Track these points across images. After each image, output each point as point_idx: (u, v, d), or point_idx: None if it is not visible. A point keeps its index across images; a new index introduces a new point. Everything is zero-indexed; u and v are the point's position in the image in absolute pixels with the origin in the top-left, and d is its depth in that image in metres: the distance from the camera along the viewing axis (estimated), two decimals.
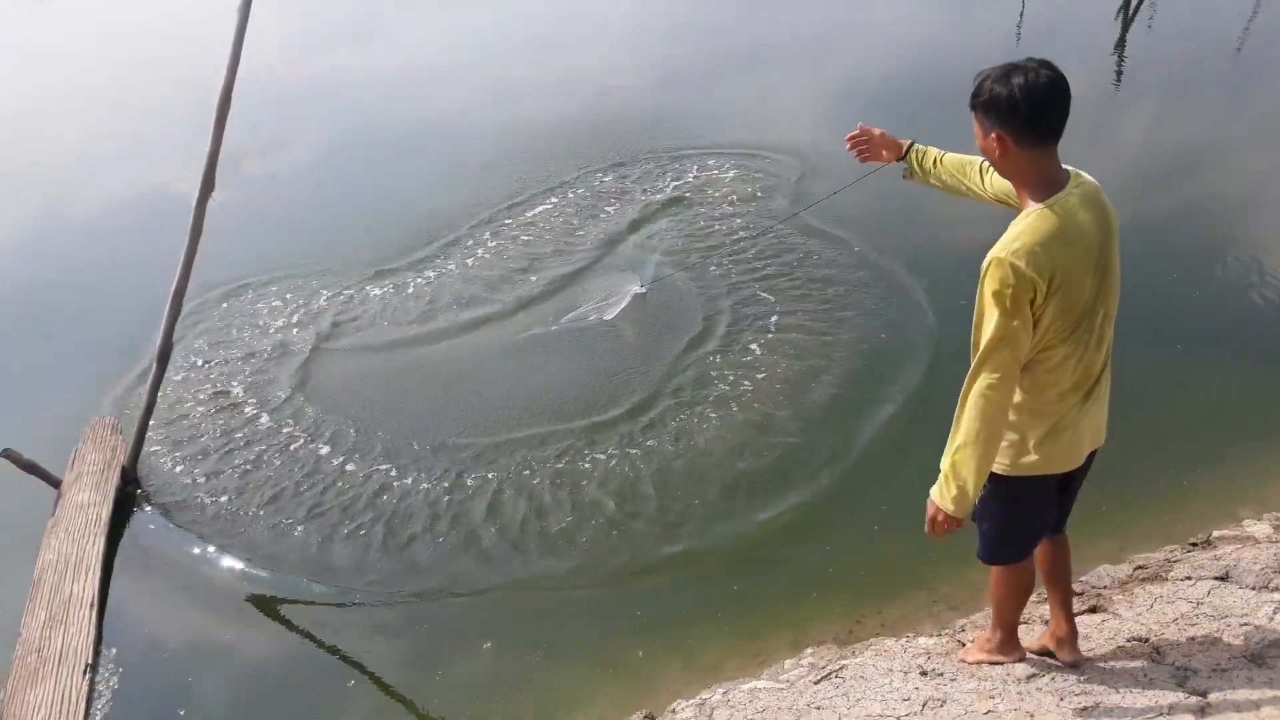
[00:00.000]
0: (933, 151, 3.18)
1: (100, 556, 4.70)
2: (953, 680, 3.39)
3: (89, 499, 5.01)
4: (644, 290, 6.57)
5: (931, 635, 3.87)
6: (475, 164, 8.66)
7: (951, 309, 5.99)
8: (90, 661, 4.18)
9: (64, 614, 4.39)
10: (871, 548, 4.59)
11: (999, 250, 2.54)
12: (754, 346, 5.97)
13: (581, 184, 8.10)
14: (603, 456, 5.22)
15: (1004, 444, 2.84)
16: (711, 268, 6.80)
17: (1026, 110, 2.50)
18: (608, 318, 6.35)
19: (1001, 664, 3.40)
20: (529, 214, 7.72)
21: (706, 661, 4.12)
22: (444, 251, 7.33)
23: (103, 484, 5.11)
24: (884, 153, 3.26)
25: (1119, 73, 9.76)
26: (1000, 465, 2.87)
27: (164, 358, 5.18)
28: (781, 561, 4.58)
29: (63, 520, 4.93)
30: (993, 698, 3.22)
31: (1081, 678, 3.24)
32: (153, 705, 4.12)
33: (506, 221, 7.63)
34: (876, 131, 3.26)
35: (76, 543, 4.77)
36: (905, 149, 3.23)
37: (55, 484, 5.16)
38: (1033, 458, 2.83)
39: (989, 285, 2.56)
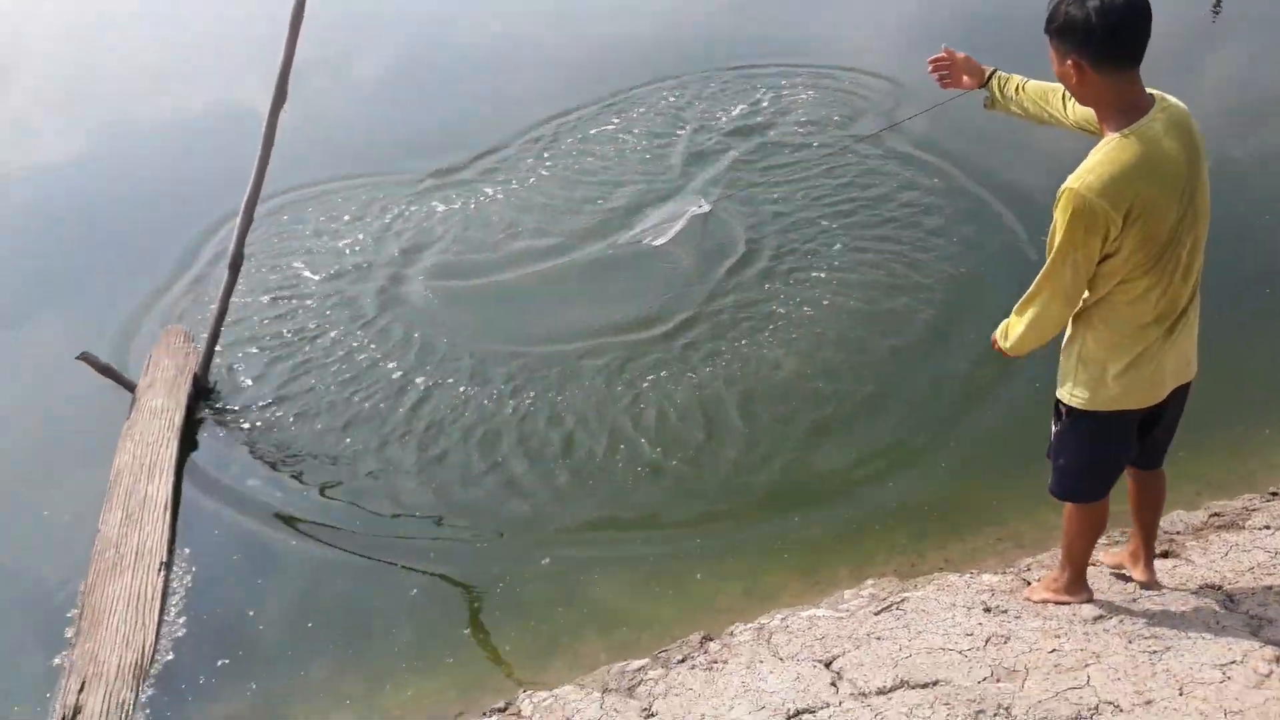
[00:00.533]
0: (1015, 78, 3.10)
1: (173, 460, 4.81)
2: (1017, 618, 3.35)
3: (162, 404, 5.11)
4: (706, 210, 6.46)
5: (996, 573, 3.83)
6: (536, 82, 8.52)
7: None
8: (165, 560, 4.31)
9: (140, 513, 4.52)
10: (937, 482, 4.55)
11: (1072, 180, 2.51)
12: (819, 274, 5.88)
13: (643, 103, 7.91)
14: (656, 379, 5.20)
15: (1083, 377, 2.81)
16: (781, 193, 6.65)
17: (1102, 33, 2.42)
18: (662, 241, 6.26)
19: (1068, 604, 3.36)
20: (591, 132, 7.59)
21: (766, 588, 4.13)
22: (504, 168, 7.25)
23: (175, 390, 5.21)
24: (965, 78, 3.19)
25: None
26: (1078, 399, 2.83)
27: (236, 266, 5.24)
28: (844, 493, 4.55)
29: (138, 424, 5.05)
30: (1058, 637, 3.18)
31: (1150, 621, 3.19)
32: (223, 603, 4.24)
33: (566, 140, 7.51)
34: (960, 55, 3.19)
35: (150, 446, 4.89)
36: (987, 76, 3.15)
37: (130, 388, 5.28)
38: (1111, 392, 2.78)
39: (1059, 214, 2.55)
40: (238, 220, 5.20)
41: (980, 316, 5.38)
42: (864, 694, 3.06)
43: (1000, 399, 4.90)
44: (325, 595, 4.25)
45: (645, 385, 5.16)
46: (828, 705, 3.03)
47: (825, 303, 5.64)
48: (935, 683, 3.06)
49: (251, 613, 4.18)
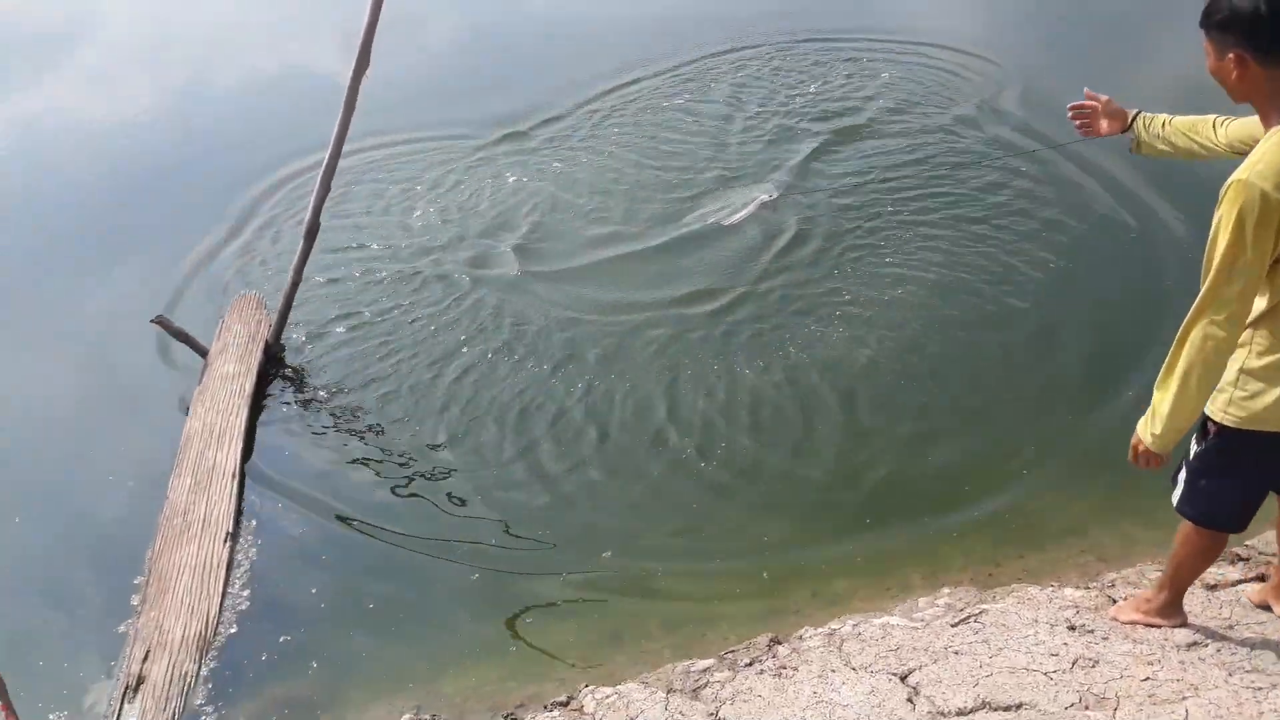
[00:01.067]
0: (1160, 116, 2.99)
1: (243, 428, 4.81)
2: (1105, 639, 3.19)
3: (234, 370, 5.11)
4: (774, 198, 6.28)
5: (1079, 587, 3.66)
6: (607, 48, 8.40)
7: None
8: (230, 530, 4.30)
9: (208, 481, 4.52)
10: (1017, 490, 4.35)
11: (1241, 171, 2.34)
12: (897, 268, 5.69)
13: (717, 76, 7.75)
14: (718, 367, 5.09)
15: (1241, 394, 2.59)
16: (864, 184, 6.42)
17: (1272, 24, 2.29)
18: (728, 222, 6.11)
19: (1160, 627, 3.19)
20: (663, 104, 7.47)
21: (834, 591, 4.00)
22: (574, 137, 7.18)
23: (247, 357, 5.21)
24: (1104, 124, 3.10)
25: None
26: (1232, 417, 2.62)
27: (311, 234, 5.22)
28: (919, 495, 4.39)
29: (209, 390, 5.05)
30: (1151, 664, 3.02)
31: (1253, 652, 3.02)
32: (287, 579, 4.22)
33: (637, 112, 7.41)
34: (1104, 98, 3.09)
35: (221, 413, 4.89)
36: (1130, 119, 3.04)
37: (202, 353, 5.29)
38: (1272, 411, 2.56)
39: (1226, 210, 2.35)
40: (315, 187, 5.18)
41: (1077, 318, 5.27)
42: (943, 713, 2.94)
43: (1089, 405, 4.70)
44: (389, 577, 4.20)
45: (717, 376, 5.04)
46: None
47: (901, 291, 5.47)
48: (1019, 706, 2.92)
49: (314, 590, 4.15)
